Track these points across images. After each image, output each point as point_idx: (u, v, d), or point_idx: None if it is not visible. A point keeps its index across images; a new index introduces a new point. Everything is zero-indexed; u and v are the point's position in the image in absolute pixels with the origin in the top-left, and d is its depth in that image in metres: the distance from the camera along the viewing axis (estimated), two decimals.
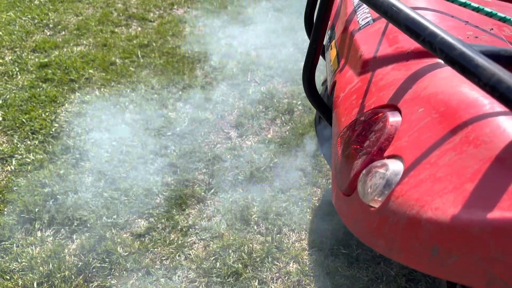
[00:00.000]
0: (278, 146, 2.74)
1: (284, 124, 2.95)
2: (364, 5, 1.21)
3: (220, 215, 2.27)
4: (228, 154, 2.66)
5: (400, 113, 0.80)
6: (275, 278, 1.98)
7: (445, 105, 0.72)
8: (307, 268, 2.02)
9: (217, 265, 2.01)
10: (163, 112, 2.99)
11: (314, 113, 2.98)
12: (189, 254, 2.07)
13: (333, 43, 1.31)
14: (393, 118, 0.79)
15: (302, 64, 3.59)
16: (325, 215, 2.29)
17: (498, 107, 0.66)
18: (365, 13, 1.15)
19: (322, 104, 1.18)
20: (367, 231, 0.75)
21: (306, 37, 3.80)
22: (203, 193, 2.39)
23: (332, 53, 1.28)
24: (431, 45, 0.62)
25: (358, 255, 2.09)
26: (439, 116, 0.71)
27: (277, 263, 2.04)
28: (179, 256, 2.06)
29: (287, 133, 2.86)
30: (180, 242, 2.12)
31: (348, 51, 1.13)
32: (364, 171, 0.77)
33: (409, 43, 0.95)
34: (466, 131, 0.64)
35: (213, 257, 2.05)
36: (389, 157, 0.74)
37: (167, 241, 2.12)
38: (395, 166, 0.71)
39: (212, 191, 2.41)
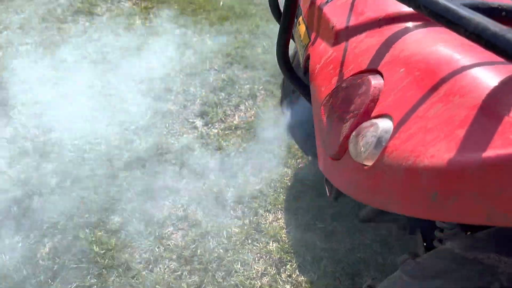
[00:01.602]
0: (245, 132, 2.75)
1: (249, 109, 2.97)
2: None
3: (195, 203, 2.26)
4: (196, 143, 2.65)
5: (382, 75, 0.83)
6: (256, 259, 2.01)
7: (424, 63, 0.76)
8: (287, 246, 2.06)
9: (198, 252, 2.01)
10: (123, 106, 2.92)
11: (277, 97, 3.01)
12: (168, 245, 2.05)
13: (300, 18, 1.34)
14: (376, 81, 0.83)
15: (260, 49, 3.61)
16: (298, 194, 2.34)
17: (473, 59, 0.71)
18: None
19: (298, 79, 1.21)
20: (362, 189, 0.78)
21: (261, 23, 3.80)
22: (175, 184, 2.36)
23: (300, 28, 1.30)
24: (415, 3, 0.65)
25: (334, 228, 2.16)
26: (421, 73, 0.75)
27: (257, 244, 2.07)
28: (158, 248, 2.04)
29: (252, 118, 2.88)
30: (157, 234, 2.10)
31: (318, 25, 1.16)
32: (354, 133, 0.80)
33: (380, 11, 0.99)
34: (449, 84, 0.68)
35: (193, 245, 2.04)
36: (376, 117, 0.77)
37: (144, 234, 2.09)
38: (384, 124, 0.74)
39: (184, 181, 2.39)
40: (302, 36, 1.27)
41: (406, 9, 0.95)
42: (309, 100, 1.20)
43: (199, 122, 2.84)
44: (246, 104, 3.01)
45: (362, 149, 0.76)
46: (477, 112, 0.61)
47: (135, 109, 2.90)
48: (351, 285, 1.91)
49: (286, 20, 1.07)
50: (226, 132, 2.75)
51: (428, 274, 1.00)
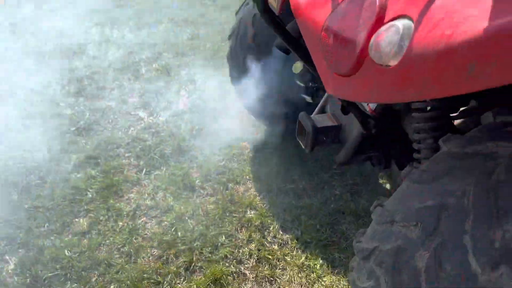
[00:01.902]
0: (193, 115, 2.72)
1: (191, 93, 2.93)
2: None
3: (162, 190, 2.19)
4: (145, 133, 2.56)
5: None
6: (238, 228, 2.01)
7: None
8: (265, 211, 2.09)
9: (179, 235, 1.96)
10: (57, 110, 2.73)
11: (219, 75, 3.01)
12: (146, 234, 1.97)
13: None
14: None
15: (185, 38, 3.57)
16: (262, 162, 2.38)
17: None
18: None
19: (280, 24, 1.23)
20: (390, 89, 0.83)
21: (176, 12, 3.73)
22: (135, 175, 2.27)
23: None
24: None
25: (304, 186, 2.23)
26: None
27: (236, 215, 2.07)
28: (135, 239, 1.95)
29: (198, 101, 2.85)
30: (131, 226, 2.00)
31: None
32: (372, 40, 0.85)
33: None
34: None
35: (172, 229, 1.99)
36: (392, 20, 0.83)
37: (117, 230, 1.99)
38: (403, 22, 0.80)
39: (144, 171, 2.31)
40: None
41: None
42: (289, 40, 1.24)
43: (143, 114, 2.74)
44: (187, 89, 2.97)
45: (387, 49, 0.81)
46: None
47: (69, 111, 2.73)
48: (333, 233, 1.99)
49: None
50: (175, 118, 2.69)
51: (435, 176, 1.09)
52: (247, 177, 2.29)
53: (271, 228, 2.01)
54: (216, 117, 2.68)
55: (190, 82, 3.04)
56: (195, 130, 2.58)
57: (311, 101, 2.23)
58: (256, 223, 2.03)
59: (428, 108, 1.35)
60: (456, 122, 1.51)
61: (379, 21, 0.86)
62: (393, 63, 0.82)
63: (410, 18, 0.80)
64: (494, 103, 1.12)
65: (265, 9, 1.18)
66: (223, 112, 2.72)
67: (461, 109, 1.41)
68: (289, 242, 1.95)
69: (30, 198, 2.13)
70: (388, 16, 0.85)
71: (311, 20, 1.05)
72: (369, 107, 1.57)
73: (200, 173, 2.28)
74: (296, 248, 1.92)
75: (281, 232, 1.99)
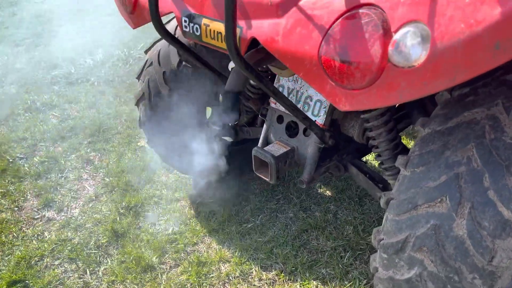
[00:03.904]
0: (112, 192, 2.48)
1: (97, 170, 2.67)
2: None
3: (120, 283, 1.94)
4: (66, 232, 2.24)
5: (371, 4, 1.00)
6: (221, 287, 1.90)
7: None
8: (237, 259, 2.02)
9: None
10: None
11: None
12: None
13: (203, 21, 1.35)
14: (372, 8, 0.98)
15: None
16: (207, 213, 2.30)
17: None
18: None
19: (252, 67, 1.24)
20: (421, 85, 0.93)
21: None
22: (80, 281, 1.96)
23: (212, 28, 1.32)
24: None
25: (260, 221, 2.23)
26: None
27: (212, 274, 1.95)
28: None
29: (106, 178, 2.61)
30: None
31: (246, 12, 1.22)
32: (390, 48, 0.94)
33: None
34: None
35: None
36: (401, 26, 0.93)
37: None
38: (417, 25, 0.91)
39: (88, 272, 2.00)
40: (219, 29, 1.30)
41: None
42: (261, 79, 1.27)
43: (49, 213, 2.39)
44: (88, 169, 2.70)
45: (410, 52, 0.91)
46: None
47: None
48: (309, 253, 2.03)
49: (229, 11, 1.10)
50: (91, 204, 2.41)
51: (435, 155, 1.23)
52: (201, 234, 2.18)
53: (253, 273, 1.95)
54: (137, 189, 2.49)
55: (88, 162, 2.77)
56: (122, 208, 2.35)
57: (232, 139, 2.27)
58: (236, 274, 1.95)
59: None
60: None
61: (387, 32, 0.96)
62: (418, 62, 0.92)
63: (420, 22, 0.92)
64: None
65: (238, 55, 1.19)
66: (145, 179, 2.55)
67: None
68: (277, 278, 1.92)
69: None
70: (394, 24, 0.95)
71: (299, 50, 1.11)
72: (318, 122, 1.68)
73: (152, 249, 2.09)
74: (286, 281, 1.90)
75: (264, 272, 1.95)
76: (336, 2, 1.08)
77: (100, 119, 3.21)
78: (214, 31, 1.36)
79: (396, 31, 0.95)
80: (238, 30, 1.27)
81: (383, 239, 1.33)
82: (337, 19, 1.06)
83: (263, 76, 1.31)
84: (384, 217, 1.35)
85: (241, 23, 1.27)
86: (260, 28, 1.22)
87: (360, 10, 1.02)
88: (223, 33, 1.28)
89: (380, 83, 0.99)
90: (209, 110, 2.33)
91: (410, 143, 2.58)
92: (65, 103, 3.48)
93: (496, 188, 1.11)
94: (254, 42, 1.26)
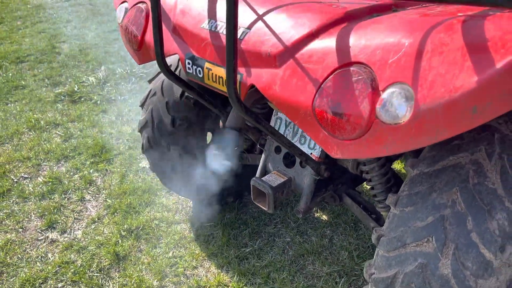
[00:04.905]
0: (115, 214, 2.55)
1: (97, 193, 2.74)
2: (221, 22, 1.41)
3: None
4: (69, 254, 2.30)
5: (359, 63, 1.08)
6: None
7: (392, 37, 1.04)
8: (235, 283, 2.08)
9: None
10: None
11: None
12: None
13: (205, 65, 1.44)
14: (361, 67, 1.06)
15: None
16: (207, 238, 2.36)
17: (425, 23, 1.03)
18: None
19: (251, 111, 1.32)
20: (405, 140, 1.00)
21: None
22: None
23: (214, 72, 1.41)
24: None
25: (258, 245, 2.29)
26: (405, 48, 1.01)
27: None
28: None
29: (108, 200, 2.68)
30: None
31: (246, 60, 1.30)
32: (378, 106, 1.02)
33: (306, 27, 1.22)
34: (432, 39, 0.98)
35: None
36: (388, 86, 1.01)
37: None
38: (402, 87, 0.99)
39: None
40: (220, 74, 1.38)
41: (328, 16, 1.23)
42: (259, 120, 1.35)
43: (53, 234, 2.46)
44: (91, 191, 2.77)
45: (396, 111, 0.99)
46: (466, 48, 0.93)
47: None
48: (305, 278, 2.09)
49: (230, 61, 1.18)
50: (94, 226, 2.48)
51: (422, 196, 1.31)
52: (201, 257, 2.25)
53: None
54: (139, 211, 2.56)
55: (91, 183, 2.84)
56: (123, 230, 2.42)
57: (231, 164, 2.35)
58: None
59: None
60: None
61: (375, 90, 1.04)
62: (403, 120, 1.00)
63: (405, 83, 1.00)
64: None
65: (239, 102, 1.27)
66: (146, 201, 2.62)
67: None
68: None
69: None
70: (382, 84, 1.04)
71: (294, 100, 1.19)
72: (314, 155, 1.76)
73: (152, 272, 2.16)
74: None
75: None
76: (329, 58, 1.16)
77: (102, 139, 3.28)
78: (216, 75, 1.44)
79: (383, 90, 1.04)
80: (238, 76, 1.35)
81: (374, 273, 1.40)
82: (330, 74, 1.14)
83: (262, 119, 1.38)
84: (375, 252, 1.42)
85: (241, 70, 1.35)
86: (259, 76, 1.31)
87: (351, 68, 1.10)
88: (225, 78, 1.35)
89: (368, 136, 1.07)
90: (209, 136, 2.41)
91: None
92: (68, 122, 3.56)
93: (478, 231, 1.19)
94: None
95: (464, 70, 0.93)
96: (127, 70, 4.32)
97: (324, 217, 2.48)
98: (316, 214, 2.50)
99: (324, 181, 1.86)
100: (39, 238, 2.42)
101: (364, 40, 1.12)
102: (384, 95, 1.03)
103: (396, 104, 1.01)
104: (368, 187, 1.79)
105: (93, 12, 6.15)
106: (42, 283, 2.13)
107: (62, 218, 2.54)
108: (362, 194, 2.34)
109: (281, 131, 1.84)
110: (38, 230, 2.48)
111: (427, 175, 1.33)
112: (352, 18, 1.24)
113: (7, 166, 3.00)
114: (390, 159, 1.74)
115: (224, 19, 1.15)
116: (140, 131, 2.23)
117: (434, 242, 1.24)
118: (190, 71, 1.53)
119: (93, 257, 2.27)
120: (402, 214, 1.34)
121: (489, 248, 1.17)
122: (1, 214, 2.57)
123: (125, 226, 2.44)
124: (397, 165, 2.80)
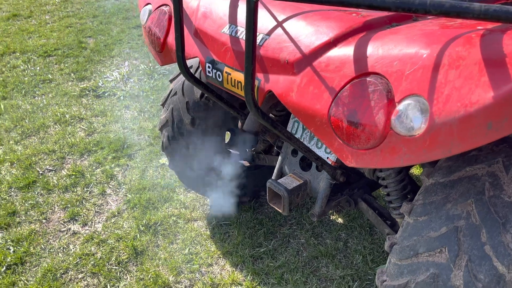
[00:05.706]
0: (134, 209, 2.61)
1: (117, 189, 2.81)
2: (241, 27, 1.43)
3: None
4: (90, 246, 2.37)
5: (375, 73, 1.09)
6: None
7: (410, 48, 1.05)
8: (249, 282, 2.11)
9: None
10: None
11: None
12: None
13: (225, 69, 1.47)
14: (377, 78, 1.07)
15: None
16: (222, 235, 2.40)
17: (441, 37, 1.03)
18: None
19: (268, 116, 1.34)
20: (419, 152, 1.01)
21: None
22: None
23: (233, 77, 1.43)
24: (425, 10, 0.92)
25: (273, 246, 2.32)
26: (422, 60, 1.02)
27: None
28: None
29: (128, 194, 2.74)
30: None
31: (264, 66, 1.33)
32: (393, 118, 1.02)
33: (324, 35, 1.24)
34: (448, 52, 0.98)
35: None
36: (403, 98, 1.02)
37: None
38: (417, 99, 0.99)
39: (108, 287, 2.14)
40: (239, 79, 1.41)
41: (347, 24, 1.24)
42: (277, 127, 1.37)
43: (75, 227, 2.54)
44: (111, 185, 2.84)
45: (411, 123, 1.00)
46: (483, 63, 0.92)
47: None
48: (319, 280, 2.11)
49: (249, 67, 1.21)
50: (114, 220, 2.55)
51: (437, 206, 1.31)
52: (216, 255, 2.29)
53: None
54: (157, 207, 2.62)
55: (112, 177, 2.91)
56: (142, 225, 2.48)
57: (248, 164, 2.38)
58: None
59: None
60: None
61: (391, 101, 1.05)
62: (418, 132, 1.01)
63: (420, 96, 1.01)
64: None
65: (255, 106, 1.29)
66: (165, 197, 2.67)
67: None
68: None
69: None
70: (398, 95, 1.04)
71: (311, 107, 1.20)
72: (330, 159, 1.77)
73: (168, 268, 2.21)
74: None
75: None
76: (347, 67, 1.17)
77: (124, 134, 3.36)
78: (234, 80, 1.46)
79: (399, 102, 1.04)
80: (256, 82, 1.37)
81: (385, 280, 1.41)
82: (346, 83, 1.15)
83: (278, 124, 1.40)
84: (388, 259, 1.42)
85: (259, 75, 1.38)
86: (277, 82, 1.33)
87: (368, 78, 1.11)
88: (243, 83, 1.38)
89: (383, 147, 1.08)
90: (228, 135, 2.44)
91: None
92: (92, 117, 3.65)
93: (492, 244, 1.18)
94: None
95: (480, 85, 0.93)
96: (150, 67, 4.39)
97: (340, 220, 2.49)
98: (332, 217, 2.51)
99: (340, 186, 1.87)
100: (61, 230, 2.51)
101: (382, 50, 1.13)
102: (400, 107, 1.03)
103: (411, 116, 1.01)
104: (384, 193, 1.79)
105: (119, 7, 6.24)
106: (63, 274, 2.21)
107: (84, 211, 2.62)
108: (378, 200, 2.34)
109: (299, 134, 1.86)
110: (61, 221, 2.56)
111: (442, 185, 1.33)
112: (371, 27, 1.24)
113: (33, 158, 3.10)
114: (407, 167, 1.73)
115: (244, 25, 1.17)
116: (161, 129, 2.28)
117: (447, 252, 1.24)
118: (210, 75, 1.56)
119: (112, 250, 2.33)
120: (416, 223, 1.34)
121: (502, 261, 1.17)
122: (27, 204, 2.67)
123: (144, 221, 2.50)
124: (416, 170, 2.78)
